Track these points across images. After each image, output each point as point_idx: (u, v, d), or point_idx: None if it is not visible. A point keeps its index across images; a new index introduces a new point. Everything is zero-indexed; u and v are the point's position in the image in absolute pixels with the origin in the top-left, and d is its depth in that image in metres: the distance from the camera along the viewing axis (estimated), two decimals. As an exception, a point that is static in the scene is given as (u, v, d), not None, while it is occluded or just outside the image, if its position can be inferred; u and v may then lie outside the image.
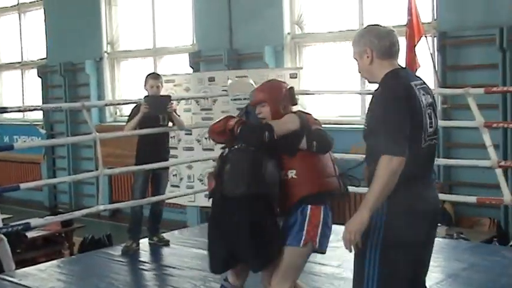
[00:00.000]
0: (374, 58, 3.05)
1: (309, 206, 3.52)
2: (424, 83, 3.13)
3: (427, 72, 8.37)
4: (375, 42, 3.04)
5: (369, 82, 3.19)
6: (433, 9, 8.73)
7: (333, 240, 5.92)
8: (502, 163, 6.11)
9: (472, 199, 6.13)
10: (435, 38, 8.60)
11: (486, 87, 6.39)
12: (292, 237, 3.51)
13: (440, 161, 7.80)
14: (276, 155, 3.59)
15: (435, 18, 8.70)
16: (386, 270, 2.98)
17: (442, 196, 7.55)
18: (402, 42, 8.21)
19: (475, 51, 8.39)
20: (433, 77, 8.46)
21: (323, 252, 3.68)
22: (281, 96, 3.81)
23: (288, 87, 3.94)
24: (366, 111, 3.15)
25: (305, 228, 3.50)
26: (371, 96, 3.18)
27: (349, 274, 4.88)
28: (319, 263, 5.34)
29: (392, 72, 3.04)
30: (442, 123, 8.39)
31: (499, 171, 5.73)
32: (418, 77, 3.19)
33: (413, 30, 8.00)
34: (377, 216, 2.94)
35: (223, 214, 3.54)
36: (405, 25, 8.11)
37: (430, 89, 3.14)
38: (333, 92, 8.52)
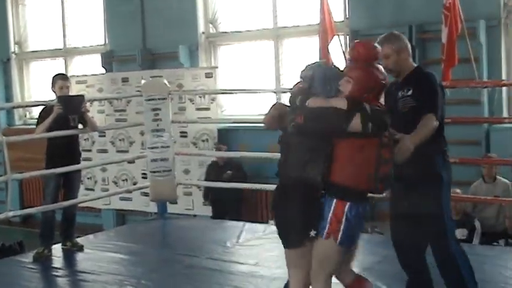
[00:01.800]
0: (408, 56, 3.86)
1: (335, 200, 3.39)
2: None
3: (340, 70, 8.50)
4: (408, 44, 3.88)
5: (395, 76, 3.86)
6: (345, 8, 8.84)
7: (250, 238, 5.97)
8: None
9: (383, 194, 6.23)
10: (347, 37, 8.74)
11: (396, 84, 6.52)
12: (321, 227, 3.42)
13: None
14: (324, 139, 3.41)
15: (347, 17, 8.82)
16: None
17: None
18: (315, 41, 8.40)
19: (385, 49, 8.56)
20: (346, 75, 8.59)
21: (349, 249, 3.58)
22: (372, 85, 3.43)
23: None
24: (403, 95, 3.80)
25: (328, 221, 3.39)
26: (400, 86, 3.84)
27: (267, 272, 4.93)
28: (236, 262, 5.33)
29: (419, 67, 3.98)
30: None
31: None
32: None
33: (326, 29, 8.10)
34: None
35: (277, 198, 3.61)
36: (318, 24, 8.21)
37: None
38: (249, 91, 8.53)
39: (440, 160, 3.83)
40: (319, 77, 3.46)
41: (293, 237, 3.49)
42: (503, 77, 7.78)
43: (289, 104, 3.60)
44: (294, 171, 3.44)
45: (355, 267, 4.99)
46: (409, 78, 3.84)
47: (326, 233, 3.39)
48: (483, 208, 7.30)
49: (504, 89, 7.76)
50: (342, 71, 3.50)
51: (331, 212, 3.38)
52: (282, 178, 3.59)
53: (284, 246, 3.60)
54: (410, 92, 3.77)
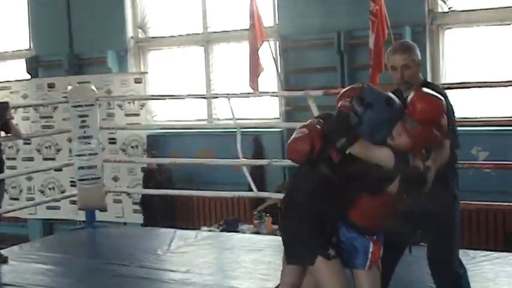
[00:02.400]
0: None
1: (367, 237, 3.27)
2: None
3: (270, 75, 8.55)
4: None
5: (405, 89, 3.47)
6: (274, 14, 8.92)
7: (181, 245, 5.90)
8: (342, 161, 6.32)
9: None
10: (277, 42, 8.80)
11: (326, 89, 6.59)
12: (357, 262, 3.27)
13: (284, 162, 7.98)
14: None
15: (276, 22, 8.89)
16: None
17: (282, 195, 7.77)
18: (245, 46, 8.40)
19: (315, 55, 8.66)
20: (276, 79, 8.65)
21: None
22: (427, 145, 3.15)
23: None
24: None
25: (370, 253, 3.27)
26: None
27: (198, 279, 4.88)
28: (167, 269, 5.25)
29: (427, 81, 3.87)
30: (285, 124, 8.64)
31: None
32: None
33: (256, 34, 8.13)
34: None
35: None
36: (248, 29, 8.22)
37: None
38: (180, 96, 8.45)
39: (454, 179, 3.63)
40: (373, 120, 3.04)
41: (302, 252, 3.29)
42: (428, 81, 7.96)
43: (330, 125, 3.22)
44: (307, 196, 3.22)
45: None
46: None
47: (368, 264, 3.25)
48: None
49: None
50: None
51: (371, 246, 3.25)
52: (294, 196, 3.35)
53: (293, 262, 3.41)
54: None
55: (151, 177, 9.06)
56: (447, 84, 7.92)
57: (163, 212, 8.94)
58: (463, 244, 4.95)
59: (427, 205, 3.25)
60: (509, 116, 7.42)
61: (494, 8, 7.69)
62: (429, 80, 7.94)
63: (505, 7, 7.63)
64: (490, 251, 4.71)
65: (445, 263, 3.56)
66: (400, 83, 3.51)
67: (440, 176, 3.27)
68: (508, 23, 7.71)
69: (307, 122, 3.37)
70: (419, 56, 3.59)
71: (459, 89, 7.46)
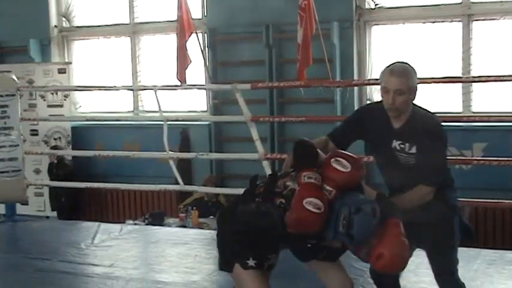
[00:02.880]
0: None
1: None
2: None
3: (198, 68, 8.49)
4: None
5: (395, 116, 3.19)
6: (203, 6, 8.87)
7: (105, 239, 5.79)
8: (269, 155, 6.36)
9: (242, 191, 6.28)
10: (206, 35, 8.75)
11: (254, 82, 6.59)
12: None
13: (211, 155, 7.97)
14: None
15: (205, 14, 8.84)
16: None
17: (215, 189, 7.76)
18: (173, 38, 8.31)
19: (244, 48, 8.66)
20: (204, 73, 8.59)
21: None
22: None
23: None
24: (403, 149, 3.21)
25: None
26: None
27: (123, 273, 4.79)
28: (91, 264, 5.13)
29: (418, 107, 3.27)
30: (213, 118, 8.62)
31: (265, 163, 5.95)
32: None
33: (183, 26, 8.04)
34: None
35: None
36: (175, 21, 8.13)
37: None
38: (105, 87, 8.27)
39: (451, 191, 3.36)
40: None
41: None
42: (355, 76, 8.09)
43: None
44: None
45: (211, 264, 5.02)
46: (411, 127, 3.20)
47: None
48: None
49: (355, 88, 8.07)
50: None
51: None
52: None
53: None
54: (413, 150, 3.17)
55: (50, 170, 8.93)
56: (373, 80, 8.09)
57: (74, 205, 8.94)
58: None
59: (424, 218, 3.16)
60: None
61: (420, 6, 7.88)
62: (355, 75, 8.10)
63: (430, 5, 7.83)
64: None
65: (447, 274, 3.40)
66: (389, 109, 3.16)
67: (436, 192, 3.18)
68: (433, 21, 7.91)
69: (312, 180, 2.88)
70: (416, 82, 3.19)
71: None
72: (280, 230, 2.92)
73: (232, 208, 3.14)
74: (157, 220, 7.68)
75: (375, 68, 8.17)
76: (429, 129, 3.19)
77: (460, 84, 7.62)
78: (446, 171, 3.30)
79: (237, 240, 3.03)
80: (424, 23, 7.97)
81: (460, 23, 7.74)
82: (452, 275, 3.39)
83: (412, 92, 3.17)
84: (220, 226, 3.17)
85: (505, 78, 5.94)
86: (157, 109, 6.47)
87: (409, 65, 3.23)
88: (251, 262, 3.02)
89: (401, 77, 3.14)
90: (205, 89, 8.73)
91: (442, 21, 7.88)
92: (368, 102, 8.22)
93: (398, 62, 3.24)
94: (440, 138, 3.20)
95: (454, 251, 3.36)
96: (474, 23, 7.69)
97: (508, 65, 7.31)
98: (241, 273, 3.01)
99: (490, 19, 7.63)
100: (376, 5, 8.13)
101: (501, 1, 7.53)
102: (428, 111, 3.29)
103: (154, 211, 8.39)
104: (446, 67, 7.54)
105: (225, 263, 3.10)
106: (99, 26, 9.69)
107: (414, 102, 3.22)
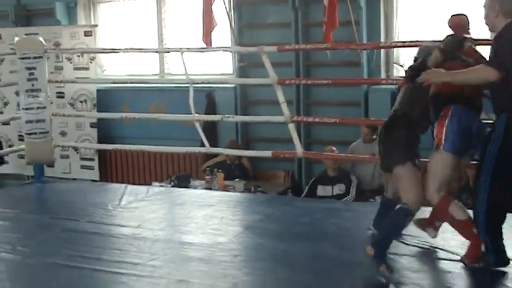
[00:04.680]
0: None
1: None
2: None
3: (224, 30, 8.44)
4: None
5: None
6: (229, -32, 8.77)
7: (132, 201, 5.86)
8: (295, 118, 6.34)
9: (268, 153, 6.31)
10: (231, -3, 8.67)
11: (280, 45, 6.54)
12: None
13: (236, 118, 7.97)
14: None
15: (232, -23, 8.75)
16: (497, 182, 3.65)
17: (239, 152, 7.79)
18: (198, 1, 8.26)
19: (269, 10, 8.57)
20: (230, 35, 8.55)
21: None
22: None
23: None
24: None
25: None
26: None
27: (149, 234, 4.85)
28: (118, 225, 5.20)
29: None
30: (238, 80, 8.60)
31: (291, 126, 5.93)
32: None
33: (209, -12, 7.98)
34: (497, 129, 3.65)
35: None
36: (201, -17, 8.07)
37: None
38: (131, 50, 8.25)
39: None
40: None
41: None
42: (382, 39, 7.99)
43: None
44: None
45: (238, 225, 5.07)
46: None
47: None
48: (360, 166, 7.55)
49: (382, 51, 7.98)
50: None
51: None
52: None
53: None
54: None
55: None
56: (400, 42, 7.97)
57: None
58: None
59: None
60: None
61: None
62: (382, 38, 8.00)
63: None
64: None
65: None
66: None
67: None
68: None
69: None
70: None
71: (411, 48, 7.50)
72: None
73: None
74: (183, 182, 7.73)
75: (401, 31, 8.05)
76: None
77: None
78: None
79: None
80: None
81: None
82: None
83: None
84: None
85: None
86: (183, 72, 6.46)
87: None
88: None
89: None
90: (230, 51, 8.68)
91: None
92: (395, 65, 8.13)
93: None
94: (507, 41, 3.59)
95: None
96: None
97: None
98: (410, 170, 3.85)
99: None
100: (404, -34, 7.98)
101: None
102: None
103: (180, 173, 8.45)
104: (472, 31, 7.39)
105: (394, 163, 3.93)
106: (124, -12, 9.66)
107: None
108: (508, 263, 3.85)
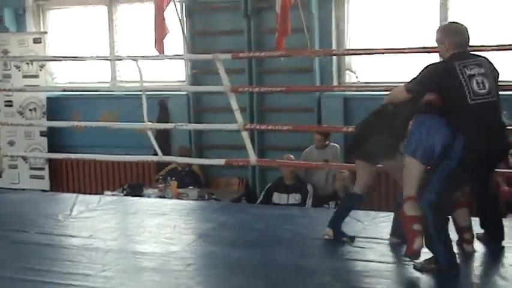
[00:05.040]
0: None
1: None
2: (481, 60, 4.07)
3: (176, 37, 8.39)
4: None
5: None
6: (181, -25, 8.74)
7: (83, 210, 5.75)
8: (248, 126, 6.33)
9: (221, 161, 6.28)
10: (183, 4, 8.63)
11: (233, 52, 6.53)
12: None
13: (190, 126, 7.92)
14: None
15: (183, -16, 8.72)
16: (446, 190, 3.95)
17: (192, 160, 7.74)
18: (150, 8, 8.20)
19: (222, 18, 8.57)
20: (183, 42, 8.50)
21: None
22: None
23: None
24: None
25: None
26: None
27: (101, 244, 4.76)
28: (69, 235, 5.10)
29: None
30: (191, 88, 8.56)
31: (245, 134, 5.91)
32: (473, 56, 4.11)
33: (161, -5, 7.93)
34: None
35: None
36: (153, -11, 8.02)
37: (484, 62, 4.06)
38: (82, 58, 8.13)
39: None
40: None
41: None
42: (334, 46, 8.06)
43: None
44: None
45: (191, 234, 5.03)
46: None
47: None
48: (314, 172, 7.58)
49: (334, 58, 8.06)
50: None
51: None
52: None
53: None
54: None
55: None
56: (352, 49, 8.06)
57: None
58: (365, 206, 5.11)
59: None
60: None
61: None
62: (334, 45, 8.07)
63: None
64: (391, 211, 4.84)
65: None
66: None
67: None
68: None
69: None
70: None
71: (363, 55, 7.61)
72: None
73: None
74: (136, 191, 7.66)
75: (353, 38, 8.14)
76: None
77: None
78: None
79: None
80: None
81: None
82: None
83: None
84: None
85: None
86: (134, 79, 6.40)
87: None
88: None
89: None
90: (184, 59, 8.64)
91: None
92: (347, 71, 8.22)
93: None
94: (429, 71, 4.06)
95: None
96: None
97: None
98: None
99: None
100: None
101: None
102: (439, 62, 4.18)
103: (133, 182, 8.36)
104: (423, 37, 7.52)
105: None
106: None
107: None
108: (458, 268, 3.93)
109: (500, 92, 4.07)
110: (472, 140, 3.86)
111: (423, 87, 4.04)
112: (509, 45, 4.74)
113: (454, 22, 4.29)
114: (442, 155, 3.95)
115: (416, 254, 3.95)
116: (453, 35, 4.09)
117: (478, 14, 7.58)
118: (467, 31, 4.12)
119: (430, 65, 4.14)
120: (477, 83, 3.94)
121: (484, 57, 4.13)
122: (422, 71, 4.09)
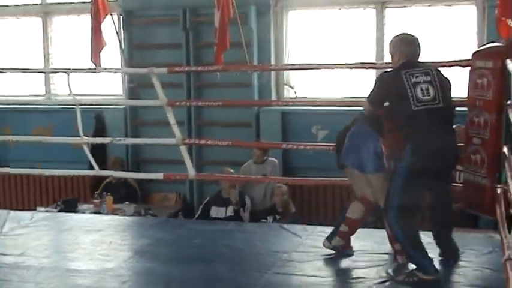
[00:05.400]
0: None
1: None
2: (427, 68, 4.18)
3: (113, 51, 8.28)
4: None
5: None
6: (118, -13, 8.66)
7: (15, 227, 5.58)
8: (186, 140, 6.29)
9: (159, 175, 6.21)
10: (121, 17, 8.55)
11: (171, 66, 6.49)
12: None
13: (127, 141, 7.81)
14: None
15: (120, -4, 8.64)
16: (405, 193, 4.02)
17: (129, 174, 7.63)
18: (87, 20, 8.07)
19: (160, 31, 8.52)
20: (119, 55, 8.40)
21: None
22: None
23: None
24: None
25: None
26: None
27: (34, 262, 4.62)
28: (0, 253, 4.93)
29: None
30: (128, 102, 8.46)
31: (183, 148, 5.87)
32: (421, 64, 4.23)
33: (98, 7, 7.82)
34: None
35: None
36: (89, 2, 7.90)
37: (432, 71, 4.16)
38: (15, 70, 7.91)
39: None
40: None
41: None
42: (272, 61, 8.11)
43: None
44: None
45: (127, 250, 4.94)
46: None
47: None
48: (253, 187, 7.58)
49: (272, 73, 8.11)
50: None
51: None
52: None
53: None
54: None
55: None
56: (290, 64, 8.13)
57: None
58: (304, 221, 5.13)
59: None
60: (348, 96, 7.69)
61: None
62: (273, 60, 8.13)
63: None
64: (329, 225, 4.88)
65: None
66: None
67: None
68: (347, 7, 8.01)
69: None
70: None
71: (301, 70, 7.68)
72: None
73: None
74: (70, 207, 7.48)
75: (291, 53, 8.21)
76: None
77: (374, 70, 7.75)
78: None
79: None
80: (339, 9, 8.06)
81: (374, 10, 7.88)
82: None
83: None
84: None
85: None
86: (69, 93, 6.27)
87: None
88: None
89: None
90: (120, 72, 8.53)
91: (357, 8, 8.00)
92: (285, 86, 8.28)
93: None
94: (379, 81, 4.23)
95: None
96: (387, 10, 7.84)
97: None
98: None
99: (402, 6, 7.79)
100: (292, -10, 8.15)
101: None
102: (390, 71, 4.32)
103: (67, 197, 8.18)
104: (360, 53, 7.67)
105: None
106: (8, 6, 9.29)
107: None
108: (437, 273, 4.02)
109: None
110: (417, 146, 3.96)
111: (379, 96, 4.21)
112: (459, 60, 4.81)
113: (405, 33, 4.36)
114: (394, 167, 4.07)
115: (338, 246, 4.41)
116: (404, 46, 4.22)
117: (413, 30, 7.76)
118: (418, 42, 4.25)
119: (380, 74, 4.32)
120: (421, 90, 4.04)
121: (434, 67, 4.25)
122: (375, 81, 4.26)
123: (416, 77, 4.08)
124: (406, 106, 4.01)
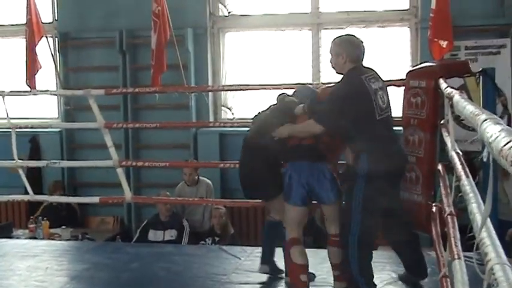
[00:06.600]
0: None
1: None
2: (375, 73, 4.01)
3: (49, 73, 8.19)
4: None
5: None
6: (53, 10, 8.58)
7: None
8: (123, 162, 6.26)
9: (96, 199, 6.16)
10: (56, 39, 8.47)
11: (107, 88, 6.47)
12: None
13: (63, 164, 7.69)
14: None
15: (56, 18, 8.56)
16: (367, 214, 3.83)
17: (65, 199, 7.52)
18: (22, 42, 7.96)
19: (96, 53, 8.47)
20: (55, 78, 8.31)
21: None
22: None
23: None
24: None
25: None
26: None
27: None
28: None
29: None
30: (64, 124, 8.35)
31: (120, 171, 5.85)
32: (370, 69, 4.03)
33: (33, 30, 7.75)
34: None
35: None
36: (24, 24, 7.81)
37: (378, 76, 4.01)
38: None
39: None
40: None
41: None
42: (209, 82, 8.16)
43: None
44: None
45: (64, 276, 4.87)
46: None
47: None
48: (192, 209, 7.55)
49: (210, 94, 8.15)
50: None
51: None
52: None
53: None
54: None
55: None
56: (227, 86, 8.20)
57: None
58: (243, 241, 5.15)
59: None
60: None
61: (271, 14, 8.09)
62: (210, 82, 8.18)
63: (280, 14, 8.06)
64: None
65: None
66: None
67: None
68: (284, 28, 8.15)
69: None
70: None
71: (239, 91, 7.76)
72: None
73: None
74: (4, 232, 7.30)
75: (228, 74, 8.29)
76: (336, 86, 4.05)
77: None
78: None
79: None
80: (275, 30, 8.20)
81: (310, 32, 8.05)
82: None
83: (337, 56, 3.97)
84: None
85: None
86: (4, 116, 6.17)
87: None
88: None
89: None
90: (56, 94, 8.44)
91: (293, 29, 8.16)
92: (223, 107, 8.33)
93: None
94: (336, 96, 3.92)
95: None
96: (323, 31, 8.02)
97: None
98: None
99: (337, 28, 7.98)
100: (229, 12, 8.25)
101: (347, 11, 7.90)
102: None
103: (1, 223, 7.98)
104: (297, 74, 7.80)
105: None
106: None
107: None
108: None
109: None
110: (377, 157, 3.72)
111: (343, 109, 3.81)
112: (394, 80, 4.75)
113: (350, 35, 4.13)
114: (349, 190, 3.84)
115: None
116: (351, 48, 3.95)
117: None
118: (363, 45, 4.01)
119: (339, 86, 3.98)
120: (381, 97, 3.88)
121: (374, 70, 4.04)
122: (332, 95, 3.93)
123: (373, 82, 3.89)
124: (370, 115, 3.80)
